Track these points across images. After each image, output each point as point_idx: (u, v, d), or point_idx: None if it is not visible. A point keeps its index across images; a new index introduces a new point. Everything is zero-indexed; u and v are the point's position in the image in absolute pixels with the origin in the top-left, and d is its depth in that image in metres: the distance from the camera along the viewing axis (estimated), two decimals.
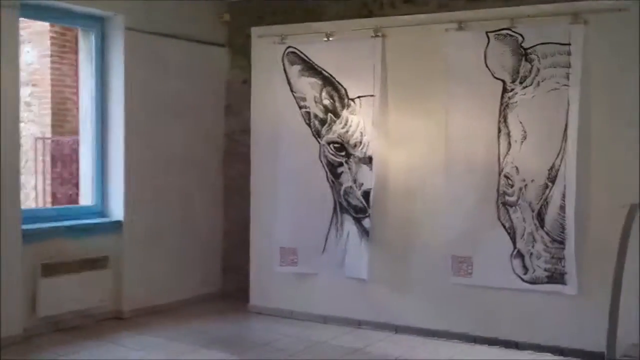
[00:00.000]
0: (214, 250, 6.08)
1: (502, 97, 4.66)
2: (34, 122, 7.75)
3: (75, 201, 7.15)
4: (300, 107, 5.34)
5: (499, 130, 4.67)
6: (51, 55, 7.61)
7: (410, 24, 4.99)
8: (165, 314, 5.46)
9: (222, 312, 5.63)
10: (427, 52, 4.93)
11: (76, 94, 7.52)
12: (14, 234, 4.58)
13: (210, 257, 6.05)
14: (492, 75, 4.67)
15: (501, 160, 4.66)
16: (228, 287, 6.07)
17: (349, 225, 5.17)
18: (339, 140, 5.21)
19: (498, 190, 4.67)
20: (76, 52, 7.41)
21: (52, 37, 7.52)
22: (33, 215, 4.96)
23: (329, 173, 5.25)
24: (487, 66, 4.68)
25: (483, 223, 4.70)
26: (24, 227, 4.67)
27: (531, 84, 4.58)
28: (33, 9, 4.81)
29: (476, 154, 4.73)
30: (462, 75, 4.76)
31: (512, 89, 4.64)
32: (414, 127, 4.99)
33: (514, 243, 4.63)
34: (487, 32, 4.67)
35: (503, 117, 4.66)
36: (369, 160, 5.08)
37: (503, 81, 4.65)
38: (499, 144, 4.67)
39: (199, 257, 5.92)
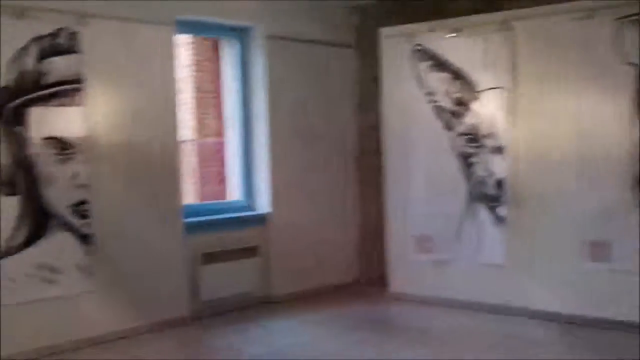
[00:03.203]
0: (352, 239, 6.40)
1: (635, 81, 4.66)
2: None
3: (220, 198, 7.69)
4: (431, 102, 5.56)
5: (634, 115, 4.69)
6: (192, 65, 8.22)
7: (538, 15, 5.06)
8: (310, 299, 5.84)
9: (362, 298, 5.94)
10: (556, 43, 4.99)
11: (215, 99, 8.07)
12: (177, 227, 5.14)
13: (349, 245, 6.38)
14: (625, 61, 4.68)
15: (637, 143, 4.67)
16: (367, 274, 6.37)
17: (483, 213, 5.32)
18: (470, 131, 5.38)
19: (636, 174, 4.68)
20: (214, 61, 7.96)
21: (192, 48, 8.12)
22: (191, 210, 5.49)
23: (461, 164, 5.43)
24: (618, 52, 4.69)
25: (620, 208, 4.72)
26: (186, 220, 5.21)
27: None
28: (185, 25, 5.34)
29: (610, 139, 4.76)
30: (593, 63, 4.79)
31: None
32: (546, 115, 5.07)
33: None
34: (616, 19, 4.69)
35: (637, 102, 4.68)
36: (500, 150, 5.21)
37: (636, 66, 4.65)
38: (634, 129, 4.68)
39: (339, 246, 6.27)
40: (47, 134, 4.43)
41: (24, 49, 4.33)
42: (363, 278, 6.40)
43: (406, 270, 5.78)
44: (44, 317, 4.44)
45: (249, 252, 5.58)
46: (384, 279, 5.93)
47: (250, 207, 5.85)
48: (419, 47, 5.59)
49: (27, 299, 4.34)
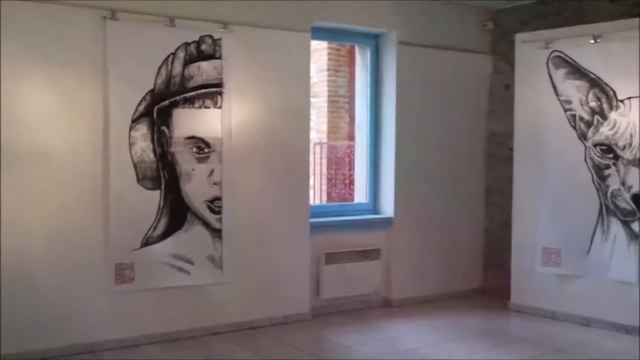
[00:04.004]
0: (475, 248, 6.36)
1: None
2: (312, 129, 8.67)
3: (347, 200, 7.87)
4: (566, 110, 5.40)
5: None
6: (328, 69, 8.45)
7: None
8: (429, 305, 5.87)
9: (482, 307, 5.90)
10: None
11: (349, 103, 8.27)
12: (304, 226, 5.35)
13: (472, 254, 6.34)
14: None
15: None
16: (489, 284, 6.31)
17: (616, 228, 5.11)
18: (606, 142, 5.18)
19: None
20: (349, 66, 8.15)
21: (329, 54, 8.35)
22: (318, 211, 5.71)
23: (594, 175, 5.24)
24: None
25: None
26: (311, 220, 5.40)
27: None
28: (321, 31, 5.55)
29: None
30: None
31: None
32: None
33: None
34: None
35: None
36: (639, 163, 4.98)
37: None
38: None
39: (461, 254, 6.25)
40: (188, 133, 4.78)
41: (173, 54, 4.71)
42: (486, 287, 6.33)
43: (530, 282, 5.66)
44: (174, 303, 4.79)
45: (372, 254, 5.69)
46: (507, 290, 5.83)
47: (375, 210, 5.96)
48: (557, 54, 5.45)
49: (161, 285, 4.70)
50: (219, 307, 4.96)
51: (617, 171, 5.12)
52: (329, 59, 8.37)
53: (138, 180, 4.61)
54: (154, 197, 4.67)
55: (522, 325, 5.39)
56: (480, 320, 5.52)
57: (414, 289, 5.94)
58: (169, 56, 4.68)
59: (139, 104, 4.59)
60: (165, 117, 4.69)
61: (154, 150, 4.66)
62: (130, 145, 4.57)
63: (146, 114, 4.62)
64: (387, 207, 5.88)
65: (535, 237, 5.57)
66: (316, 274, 5.45)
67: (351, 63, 7.82)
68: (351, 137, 6.88)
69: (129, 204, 4.57)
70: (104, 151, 4.50)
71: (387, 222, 5.83)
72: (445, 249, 6.13)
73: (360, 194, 6.07)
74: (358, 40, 5.98)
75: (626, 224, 5.06)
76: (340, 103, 8.49)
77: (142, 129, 4.61)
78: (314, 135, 8.47)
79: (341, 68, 8.47)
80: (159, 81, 4.65)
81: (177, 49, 4.71)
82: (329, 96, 8.48)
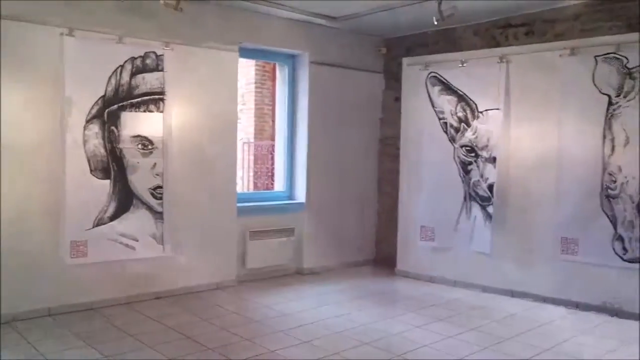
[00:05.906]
0: (369, 227, 6.45)
1: (608, 109, 4.62)
2: (242, 131, 8.63)
3: (270, 188, 7.86)
4: (439, 119, 5.58)
5: (604, 136, 4.65)
6: (255, 83, 8.40)
7: (530, 52, 5.04)
8: (333, 272, 5.96)
9: (375, 273, 6.02)
10: (544, 74, 4.96)
11: (272, 110, 8.26)
12: (232, 209, 5.33)
13: (367, 231, 6.44)
14: (599, 91, 4.65)
15: (605, 160, 4.64)
16: (380, 255, 6.43)
17: (476, 210, 5.33)
18: (469, 144, 5.38)
19: (602, 185, 4.65)
20: (272, 80, 8.14)
21: (256, 70, 8.30)
22: (243, 197, 5.68)
23: (461, 170, 5.44)
24: (594, 84, 4.67)
25: (588, 211, 4.69)
26: (238, 205, 5.39)
27: (634, 98, 4.51)
28: (247, 51, 5.52)
29: (584, 155, 4.73)
30: (573, 92, 4.76)
31: (617, 102, 4.59)
32: (531, 133, 5.06)
33: (615, 229, 4.58)
34: (595, 57, 4.66)
35: (608, 125, 4.62)
36: (493, 160, 5.21)
37: (609, 96, 4.61)
38: (604, 147, 4.65)
39: (359, 232, 6.34)
40: (134, 133, 4.67)
41: (122, 66, 4.60)
42: (377, 258, 6.45)
43: (412, 253, 5.82)
44: (123, 274, 4.70)
45: (287, 232, 5.72)
46: (394, 259, 5.99)
47: (290, 197, 5.99)
48: (433, 74, 5.62)
49: (110, 259, 4.60)
50: (161, 276, 4.89)
51: (478, 167, 5.33)
52: (256, 74, 8.32)
53: (91, 171, 4.48)
54: (105, 185, 4.56)
55: (406, 286, 5.54)
56: (372, 283, 5.64)
57: (320, 260, 6.00)
58: (118, 68, 4.57)
59: (92, 108, 4.46)
60: (114, 118, 4.57)
61: (105, 147, 4.54)
62: (84, 142, 4.44)
63: (98, 116, 4.50)
64: (300, 194, 5.92)
65: (415, 218, 5.73)
66: (242, 248, 5.44)
67: (273, 78, 7.83)
68: (273, 137, 6.89)
69: (83, 191, 4.44)
70: (62, 147, 4.35)
71: (300, 206, 5.87)
72: (345, 227, 6.21)
73: (279, 184, 6.08)
74: (278, 59, 5.97)
75: (483, 208, 5.29)
76: (265, 110, 8.47)
77: (95, 129, 4.49)
78: (243, 136, 8.43)
79: (266, 82, 8.44)
80: (109, 89, 4.54)
81: (125, 62, 4.60)
82: (255, 104, 8.43)
